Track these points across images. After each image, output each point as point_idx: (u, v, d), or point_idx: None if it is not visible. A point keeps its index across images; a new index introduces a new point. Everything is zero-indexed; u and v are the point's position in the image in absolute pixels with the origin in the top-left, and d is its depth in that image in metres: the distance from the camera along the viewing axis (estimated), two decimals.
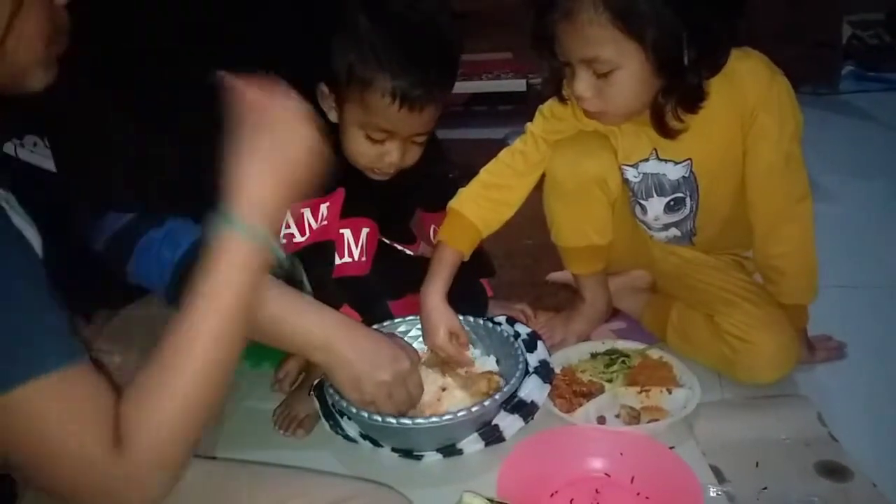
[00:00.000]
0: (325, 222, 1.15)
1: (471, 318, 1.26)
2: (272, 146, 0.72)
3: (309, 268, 1.13)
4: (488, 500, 0.90)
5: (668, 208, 1.21)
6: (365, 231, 1.18)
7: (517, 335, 1.24)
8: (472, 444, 1.10)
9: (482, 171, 1.26)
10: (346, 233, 1.17)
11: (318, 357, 0.97)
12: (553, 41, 1.03)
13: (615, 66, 1.00)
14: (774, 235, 1.16)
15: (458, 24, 1.10)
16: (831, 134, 2.40)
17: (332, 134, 1.12)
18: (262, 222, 0.71)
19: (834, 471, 1.04)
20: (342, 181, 1.16)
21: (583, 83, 1.04)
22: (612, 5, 0.96)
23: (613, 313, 1.42)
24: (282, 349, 1.02)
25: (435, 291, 1.17)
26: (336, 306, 1.09)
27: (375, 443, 1.10)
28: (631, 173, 1.21)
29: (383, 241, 1.27)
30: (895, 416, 1.15)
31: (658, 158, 1.16)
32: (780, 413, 1.14)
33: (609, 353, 1.27)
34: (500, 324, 1.27)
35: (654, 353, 1.25)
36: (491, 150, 1.28)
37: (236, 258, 0.70)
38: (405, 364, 1.00)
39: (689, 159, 1.14)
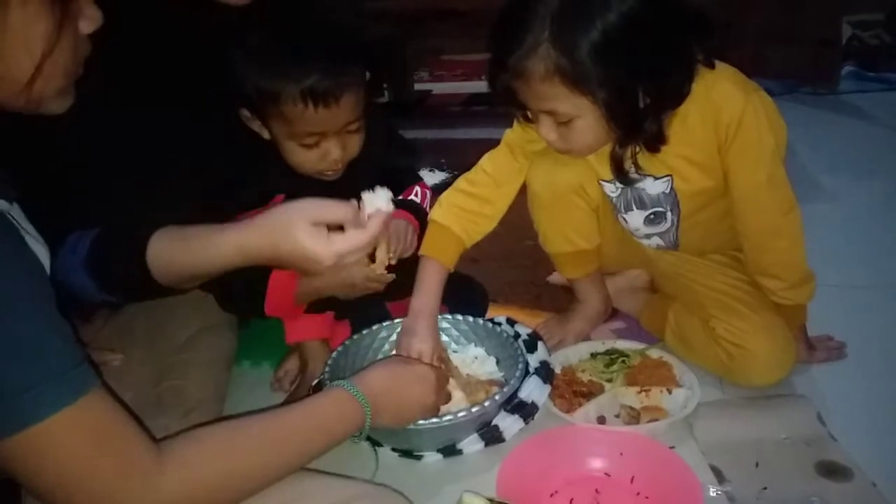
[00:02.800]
0: None
1: (470, 319, 1.26)
2: (407, 392, 0.96)
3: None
4: (488, 499, 0.90)
5: (649, 221, 1.21)
6: None
7: (517, 336, 1.24)
8: (472, 444, 1.10)
9: (462, 178, 1.25)
10: None
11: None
12: (511, 93, 1.03)
13: (574, 116, 1.00)
14: (764, 249, 1.16)
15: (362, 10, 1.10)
16: (831, 134, 2.40)
17: (271, 146, 1.14)
18: (370, 409, 0.88)
19: (834, 471, 1.03)
20: (284, 187, 1.16)
21: (545, 128, 1.04)
22: (561, 69, 0.95)
23: (613, 313, 1.42)
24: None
25: (422, 324, 1.14)
26: (266, 278, 1.12)
27: (376, 442, 1.10)
28: (609, 188, 1.21)
29: None
30: (895, 416, 1.15)
31: (638, 172, 1.15)
32: (780, 413, 1.14)
33: (609, 352, 1.27)
34: (500, 324, 1.27)
35: (654, 353, 1.25)
36: (490, 149, 1.28)
37: (346, 410, 0.86)
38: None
39: (670, 176, 1.14)
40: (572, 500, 1.00)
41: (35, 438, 0.60)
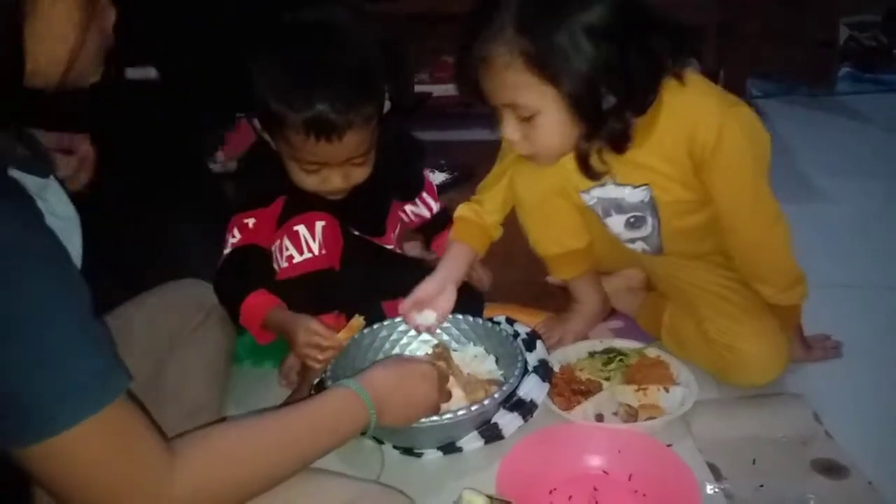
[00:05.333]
0: (253, 228, 1.18)
1: (470, 318, 1.26)
2: (411, 391, 0.96)
3: (230, 270, 1.17)
4: (488, 497, 0.91)
5: (629, 225, 1.21)
6: (320, 224, 1.17)
7: (516, 335, 1.25)
8: (471, 441, 1.10)
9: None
10: (301, 229, 1.17)
11: None
12: (477, 85, 1.02)
13: (536, 111, 1.00)
14: (752, 260, 1.17)
15: (383, 44, 1.10)
16: (828, 135, 2.41)
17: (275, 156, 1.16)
18: (375, 409, 0.88)
19: (830, 468, 1.04)
20: (287, 189, 1.17)
21: (509, 127, 1.04)
22: (526, 51, 0.95)
23: (611, 312, 1.43)
24: None
25: (436, 273, 1.19)
26: (246, 293, 1.15)
27: (376, 440, 1.11)
28: (586, 198, 1.22)
29: (363, 239, 1.27)
30: (891, 414, 1.16)
31: (615, 183, 1.16)
32: (777, 411, 1.15)
33: (607, 351, 1.27)
34: (499, 323, 1.27)
35: (652, 352, 1.26)
36: (489, 150, 1.29)
37: (352, 410, 0.86)
38: None
39: (648, 185, 1.14)
40: (571, 497, 1.01)
41: (60, 445, 0.61)
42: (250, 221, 1.19)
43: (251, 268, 1.18)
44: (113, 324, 1.15)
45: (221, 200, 1.53)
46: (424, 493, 0.99)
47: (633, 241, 1.25)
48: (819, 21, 2.70)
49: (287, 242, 1.17)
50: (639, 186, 1.14)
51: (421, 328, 1.17)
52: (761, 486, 1.02)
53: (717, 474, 1.04)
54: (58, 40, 0.68)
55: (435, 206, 1.40)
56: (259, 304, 1.14)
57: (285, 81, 1.05)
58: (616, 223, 1.22)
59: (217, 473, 0.72)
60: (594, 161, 1.07)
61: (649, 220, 1.19)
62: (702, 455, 1.07)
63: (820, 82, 2.72)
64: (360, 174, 1.15)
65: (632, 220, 1.20)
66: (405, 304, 1.16)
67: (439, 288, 1.17)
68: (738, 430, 1.11)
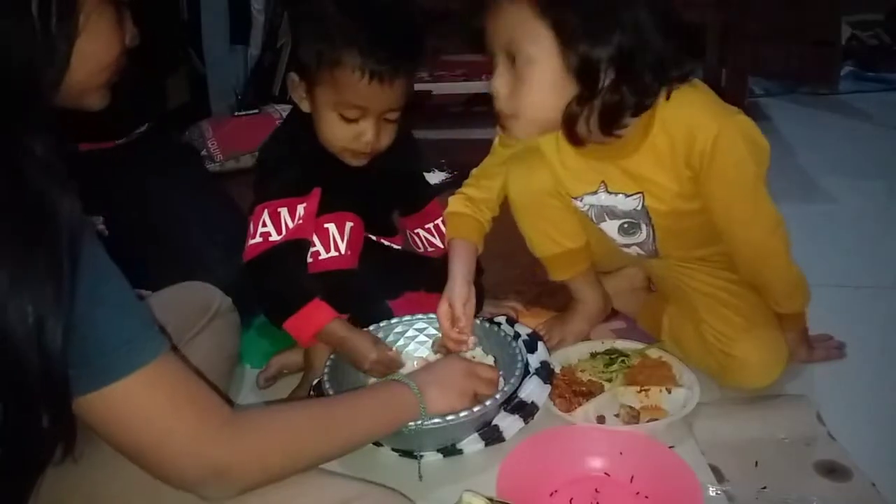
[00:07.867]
0: (301, 221, 1.16)
1: None
2: (449, 382, 1.05)
3: (282, 264, 1.14)
4: (488, 499, 0.90)
5: (623, 231, 1.20)
6: (349, 225, 1.18)
7: (517, 336, 1.25)
8: (472, 443, 1.10)
9: (472, 172, 1.30)
10: (331, 227, 1.17)
11: None
12: (480, 32, 1.02)
13: (531, 60, 0.97)
14: (753, 266, 1.15)
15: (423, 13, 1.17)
16: (831, 134, 2.41)
17: (311, 137, 1.16)
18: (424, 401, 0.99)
19: (833, 470, 1.04)
20: (319, 182, 1.17)
21: (500, 78, 1.02)
22: None
23: (613, 313, 1.42)
24: None
25: (456, 275, 1.18)
26: (307, 300, 1.13)
27: (375, 442, 1.10)
28: (579, 205, 1.21)
29: (371, 240, 1.27)
30: (894, 415, 1.16)
31: (608, 191, 1.15)
32: (780, 412, 1.14)
33: (608, 352, 1.27)
34: (499, 324, 1.27)
35: (654, 353, 1.26)
36: (489, 149, 1.29)
37: (404, 402, 0.97)
38: None
39: (641, 193, 1.13)
40: (572, 499, 1.00)
41: (129, 387, 0.66)
42: (283, 211, 1.16)
43: (299, 268, 1.16)
44: None
45: (225, 199, 1.53)
46: (424, 495, 0.99)
47: (627, 245, 1.24)
48: (821, 20, 2.70)
49: (315, 238, 1.17)
50: (631, 195, 1.13)
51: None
52: (764, 488, 1.01)
53: (719, 476, 1.03)
54: (98, 55, 0.71)
55: None
56: (318, 314, 1.13)
57: (348, 27, 1.08)
58: (610, 228, 1.21)
59: (280, 436, 0.78)
60: (581, 127, 1.03)
61: (643, 226, 1.18)
62: (704, 457, 1.07)
63: (822, 81, 2.72)
64: (388, 134, 1.16)
65: (625, 225, 1.19)
66: (445, 320, 1.16)
67: (469, 291, 1.17)
68: (741, 432, 1.10)
